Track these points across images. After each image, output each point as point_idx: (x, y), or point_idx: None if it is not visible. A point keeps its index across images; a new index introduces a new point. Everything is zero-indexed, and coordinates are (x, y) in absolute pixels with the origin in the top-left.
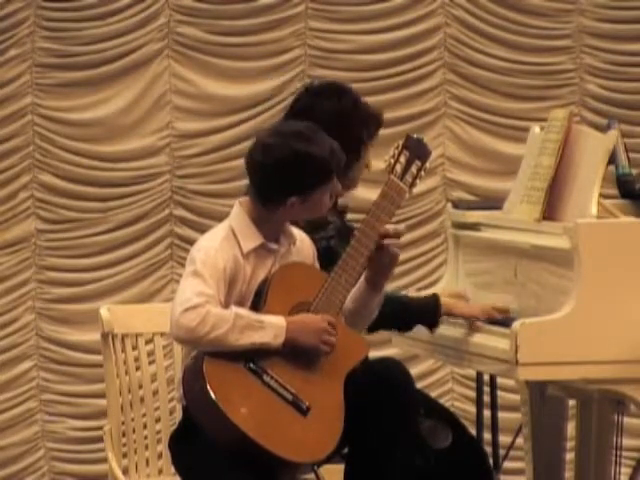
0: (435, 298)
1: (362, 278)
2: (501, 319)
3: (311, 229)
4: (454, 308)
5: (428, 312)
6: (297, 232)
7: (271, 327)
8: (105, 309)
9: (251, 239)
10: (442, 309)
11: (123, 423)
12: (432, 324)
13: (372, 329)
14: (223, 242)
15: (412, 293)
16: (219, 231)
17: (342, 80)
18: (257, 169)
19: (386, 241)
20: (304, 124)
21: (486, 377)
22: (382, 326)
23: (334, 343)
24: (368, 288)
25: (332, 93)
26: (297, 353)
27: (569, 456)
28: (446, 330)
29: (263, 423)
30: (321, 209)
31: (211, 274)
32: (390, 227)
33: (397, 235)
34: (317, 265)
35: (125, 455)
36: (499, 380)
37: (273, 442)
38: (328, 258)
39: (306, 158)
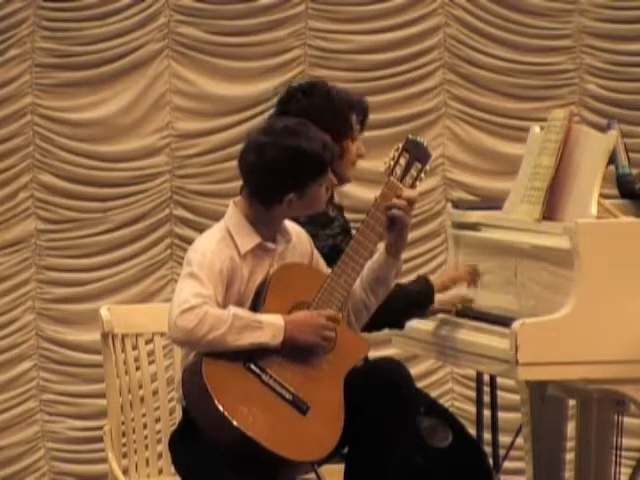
0: (427, 281)
1: (381, 249)
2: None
3: (316, 227)
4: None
5: (424, 297)
6: (291, 227)
7: (269, 327)
8: (105, 309)
9: (248, 239)
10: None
11: (123, 423)
12: (427, 306)
13: (380, 326)
14: (219, 243)
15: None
16: (215, 232)
17: (342, 80)
18: (252, 170)
19: (389, 203)
20: (294, 120)
21: (486, 377)
22: (390, 322)
23: (333, 337)
24: (387, 256)
25: (304, 94)
26: (297, 351)
27: (569, 456)
28: (446, 330)
29: (263, 423)
30: (319, 203)
31: (208, 275)
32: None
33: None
34: (317, 255)
35: (125, 455)
36: (499, 380)
37: (273, 441)
38: (335, 256)
39: (298, 153)
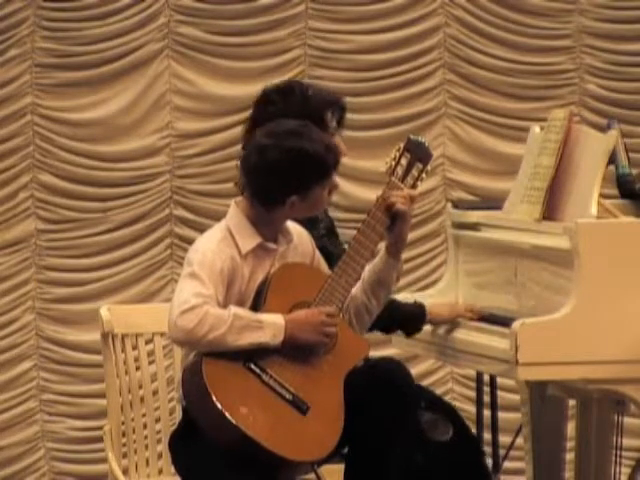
0: (422, 309)
1: (382, 250)
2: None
3: (304, 228)
4: (436, 316)
5: (413, 321)
6: (293, 227)
7: (269, 326)
8: (105, 309)
9: (249, 239)
10: (427, 318)
11: (123, 423)
12: (413, 333)
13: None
14: (220, 243)
15: (402, 296)
16: (216, 232)
17: (342, 80)
18: (254, 171)
19: (392, 198)
20: (297, 122)
21: (486, 377)
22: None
23: (334, 332)
24: (387, 257)
25: (278, 96)
26: (297, 351)
27: (569, 456)
28: (446, 330)
29: (263, 423)
30: (321, 205)
31: (208, 275)
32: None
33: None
34: (318, 255)
35: (125, 455)
36: (499, 380)
37: (273, 442)
38: (322, 257)
39: (301, 155)
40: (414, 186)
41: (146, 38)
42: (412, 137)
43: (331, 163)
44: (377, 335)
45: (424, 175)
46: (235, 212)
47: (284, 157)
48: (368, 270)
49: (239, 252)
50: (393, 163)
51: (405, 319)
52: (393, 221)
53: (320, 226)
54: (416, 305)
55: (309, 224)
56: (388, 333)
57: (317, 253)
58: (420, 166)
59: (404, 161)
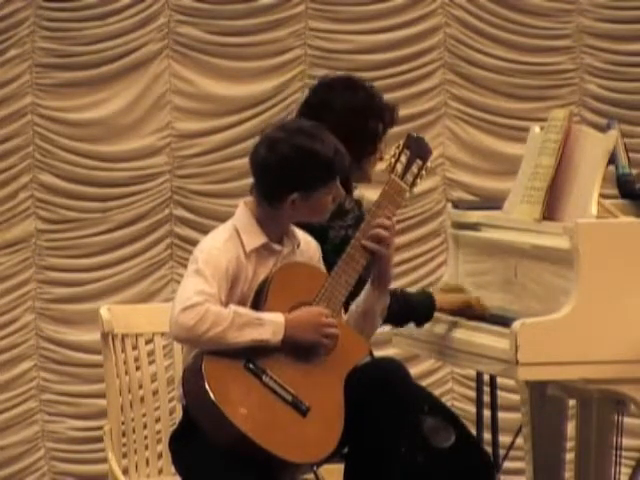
0: (430, 298)
1: (369, 281)
2: (495, 319)
3: (331, 217)
4: (444, 304)
5: (424, 310)
6: (302, 234)
7: (270, 324)
8: (105, 309)
9: (254, 238)
10: (436, 306)
11: (123, 423)
12: (424, 322)
13: None
14: (227, 242)
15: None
16: (223, 231)
17: None
18: (261, 164)
19: (367, 243)
20: (310, 122)
21: (486, 377)
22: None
23: (335, 334)
24: (372, 289)
25: (346, 87)
26: (297, 352)
27: (569, 456)
28: (446, 330)
29: (262, 424)
30: (323, 212)
31: (213, 273)
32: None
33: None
34: (322, 267)
35: (125, 455)
36: (499, 380)
37: (272, 443)
38: (345, 247)
39: (309, 154)
40: (414, 183)
41: (146, 38)
42: (412, 134)
43: (337, 167)
44: (377, 335)
45: (424, 172)
46: (243, 211)
47: (292, 153)
48: (354, 301)
49: (244, 251)
50: (393, 160)
51: (416, 310)
52: (373, 258)
53: (349, 216)
54: (424, 294)
55: (337, 214)
56: (401, 326)
57: (321, 264)
58: (420, 163)
59: (404, 158)
